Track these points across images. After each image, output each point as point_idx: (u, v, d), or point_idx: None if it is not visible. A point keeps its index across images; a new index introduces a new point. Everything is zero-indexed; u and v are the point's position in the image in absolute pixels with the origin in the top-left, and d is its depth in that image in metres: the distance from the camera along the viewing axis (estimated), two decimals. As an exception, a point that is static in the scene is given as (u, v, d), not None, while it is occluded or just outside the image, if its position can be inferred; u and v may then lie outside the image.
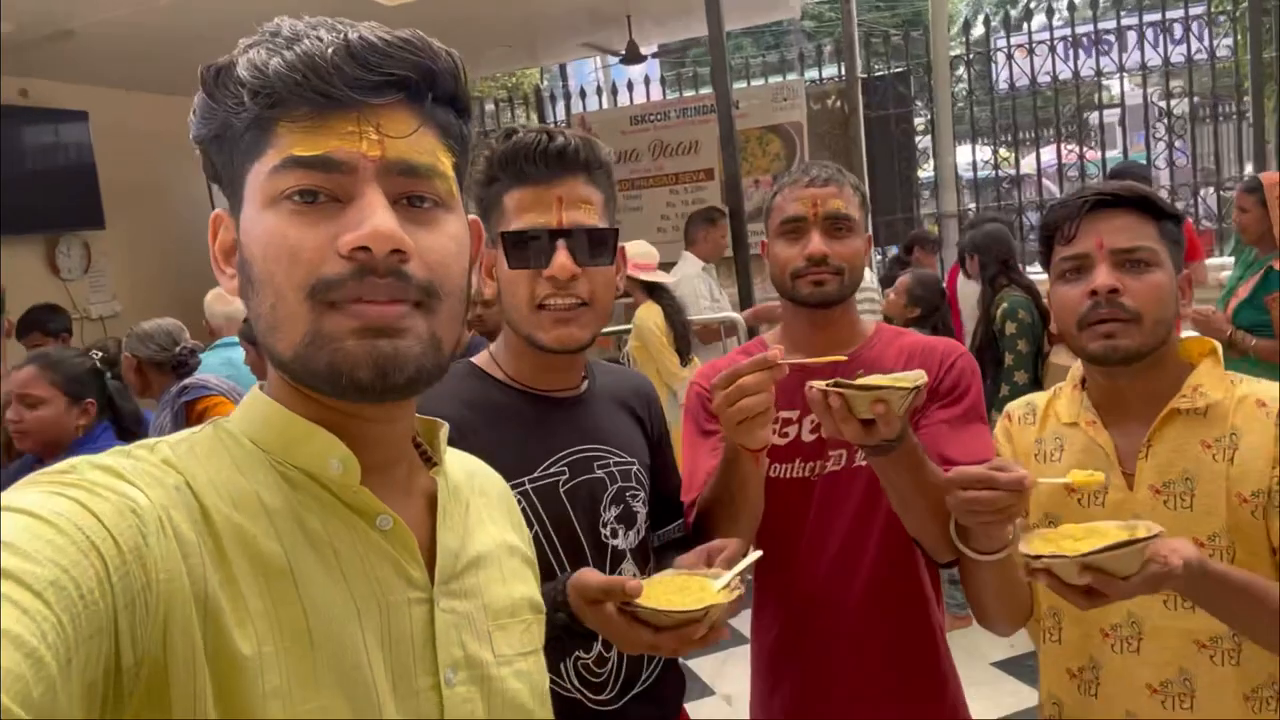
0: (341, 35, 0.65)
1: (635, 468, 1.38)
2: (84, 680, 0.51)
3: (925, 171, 7.74)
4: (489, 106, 8.23)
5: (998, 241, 4.02)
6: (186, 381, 2.94)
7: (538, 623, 0.86)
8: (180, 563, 0.58)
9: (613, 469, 1.34)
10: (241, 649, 0.59)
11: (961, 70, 7.75)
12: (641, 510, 1.37)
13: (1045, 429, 1.48)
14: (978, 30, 7.59)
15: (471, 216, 0.78)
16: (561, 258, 1.22)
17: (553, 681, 1.19)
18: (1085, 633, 1.39)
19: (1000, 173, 7.57)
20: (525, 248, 1.24)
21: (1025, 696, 3.49)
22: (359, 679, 0.65)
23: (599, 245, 1.26)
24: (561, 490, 1.29)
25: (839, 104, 7.17)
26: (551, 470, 1.29)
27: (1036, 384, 3.82)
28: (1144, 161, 7.16)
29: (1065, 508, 1.40)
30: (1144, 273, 1.32)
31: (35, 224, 5.56)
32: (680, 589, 1.09)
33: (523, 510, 1.19)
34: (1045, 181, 7.60)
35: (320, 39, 0.65)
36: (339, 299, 0.64)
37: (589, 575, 1.11)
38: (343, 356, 0.65)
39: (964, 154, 7.33)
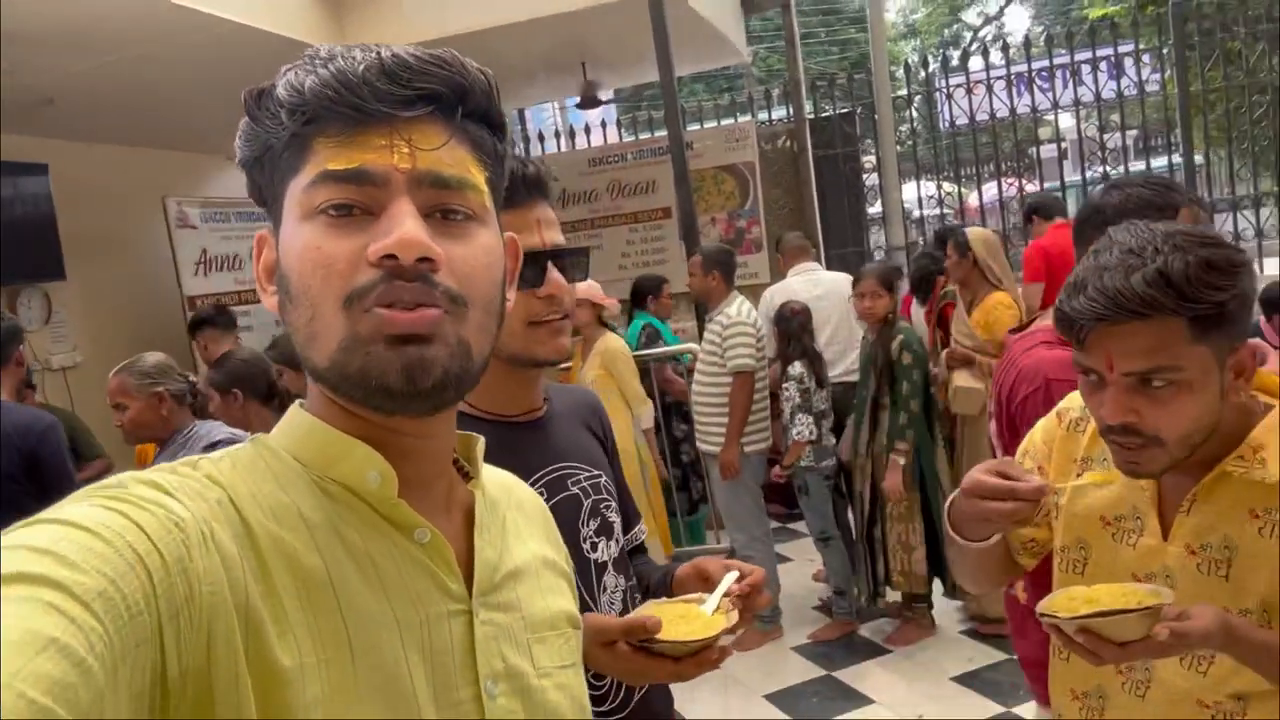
0: (375, 54, 0.67)
1: (603, 479, 1.43)
2: (131, 690, 0.52)
3: (875, 207, 7.97)
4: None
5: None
6: (219, 436, 2.87)
7: (576, 636, 0.86)
8: (223, 575, 0.59)
9: (584, 484, 1.39)
10: (283, 660, 0.60)
11: (907, 110, 8.02)
12: (617, 520, 1.42)
13: (1096, 445, 1.36)
14: (925, 71, 7.87)
15: (509, 234, 0.79)
16: (555, 276, 1.28)
17: None
18: None
19: (945, 207, 7.82)
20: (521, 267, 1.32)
21: (981, 710, 3.59)
22: (400, 690, 0.66)
23: (579, 263, 1.34)
24: None
25: (789, 144, 7.41)
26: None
27: (926, 410, 4.15)
28: (1083, 193, 7.46)
29: (1099, 538, 1.35)
30: (1163, 394, 1.15)
31: (-5, 276, 5.56)
32: (681, 617, 1.16)
33: None
34: (988, 215, 7.87)
35: (355, 57, 0.67)
36: (370, 305, 0.65)
37: (601, 620, 1.17)
38: (373, 361, 0.66)
39: (921, 189, 7.58)
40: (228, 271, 6.38)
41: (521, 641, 0.77)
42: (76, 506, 0.57)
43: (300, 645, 0.61)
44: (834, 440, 4.44)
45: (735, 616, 1.15)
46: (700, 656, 1.12)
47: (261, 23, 4.58)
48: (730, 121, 7.74)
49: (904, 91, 7.98)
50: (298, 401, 0.75)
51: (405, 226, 0.65)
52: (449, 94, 0.69)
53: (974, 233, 4.34)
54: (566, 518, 1.32)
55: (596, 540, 1.37)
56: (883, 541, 4.25)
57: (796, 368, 4.30)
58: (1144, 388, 1.15)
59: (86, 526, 0.55)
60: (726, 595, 1.18)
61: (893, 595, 4.39)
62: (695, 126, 7.69)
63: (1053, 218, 5.18)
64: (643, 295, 5.54)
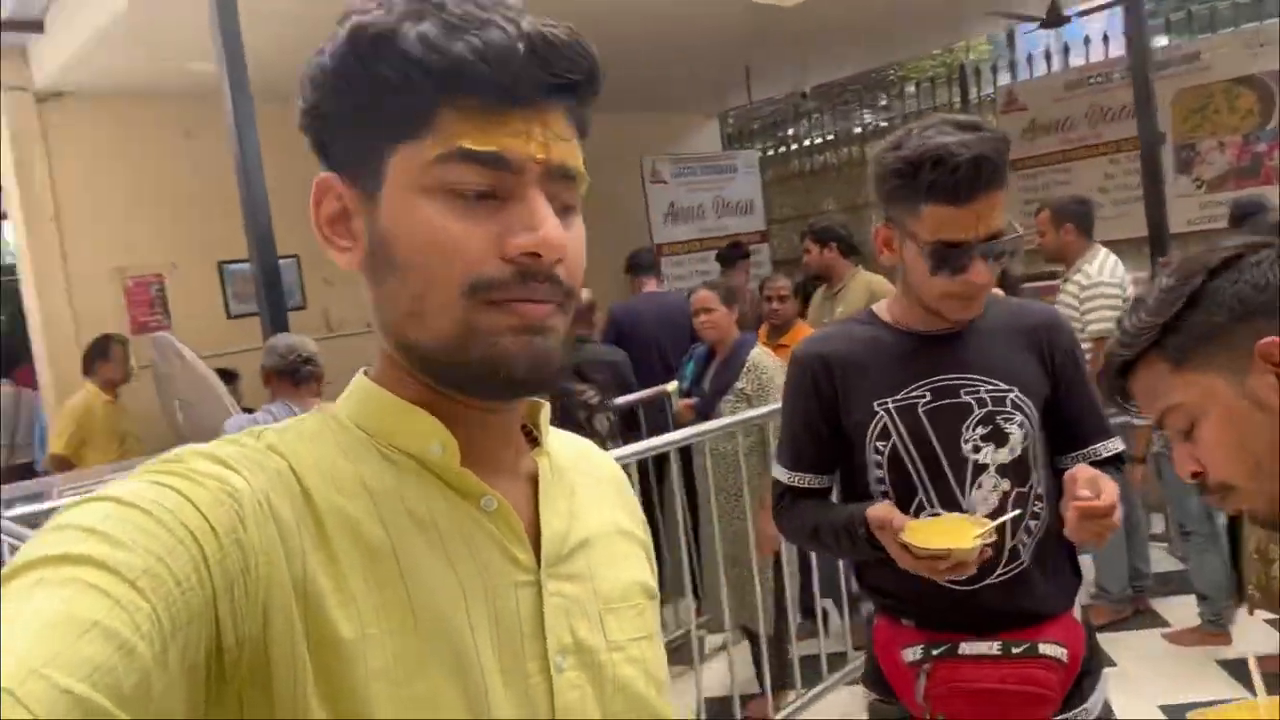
0: (518, 28, 0.62)
1: (1014, 394, 1.55)
2: (184, 665, 0.52)
3: None
4: (909, 89, 8.04)
5: None
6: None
7: (651, 608, 0.82)
8: (279, 547, 0.59)
9: (983, 395, 1.54)
10: (342, 632, 0.59)
11: None
12: (1017, 431, 1.54)
13: None
14: None
15: None
16: (979, 267, 1.44)
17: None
18: None
19: None
20: (946, 256, 1.45)
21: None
22: (466, 661, 0.64)
23: (1006, 252, 1.48)
24: (921, 410, 1.54)
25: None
26: (914, 393, 1.55)
27: None
28: None
29: None
30: (1199, 435, 1.02)
31: None
32: (947, 530, 1.41)
33: (882, 426, 1.55)
34: None
35: (504, 29, 0.62)
36: (499, 299, 0.64)
37: (875, 510, 1.46)
38: (500, 352, 0.64)
39: None
40: (692, 222, 7.02)
41: (592, 613, 0.74)
42: (129, 484, 0.57)
43: (363, 616, 0.61)
44: None
45: (978, 546, 1.36)
46: (930, 562, 1.37)
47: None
48: (1253, 26, 6.28)
49: None
50: (362, 369, 0.74)
51: (549, 226, 0.64)
52: (585, 83, 0.66)
53: None
54: (948, 421, 1.54)
55: (981, 445, 1.53)
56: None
57: None
58: (1184, 438, 1.03)
59: (135, 504, 0.55)
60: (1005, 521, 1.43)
61: None
62: (1207, 35, 6.38)
63: None
64: None
